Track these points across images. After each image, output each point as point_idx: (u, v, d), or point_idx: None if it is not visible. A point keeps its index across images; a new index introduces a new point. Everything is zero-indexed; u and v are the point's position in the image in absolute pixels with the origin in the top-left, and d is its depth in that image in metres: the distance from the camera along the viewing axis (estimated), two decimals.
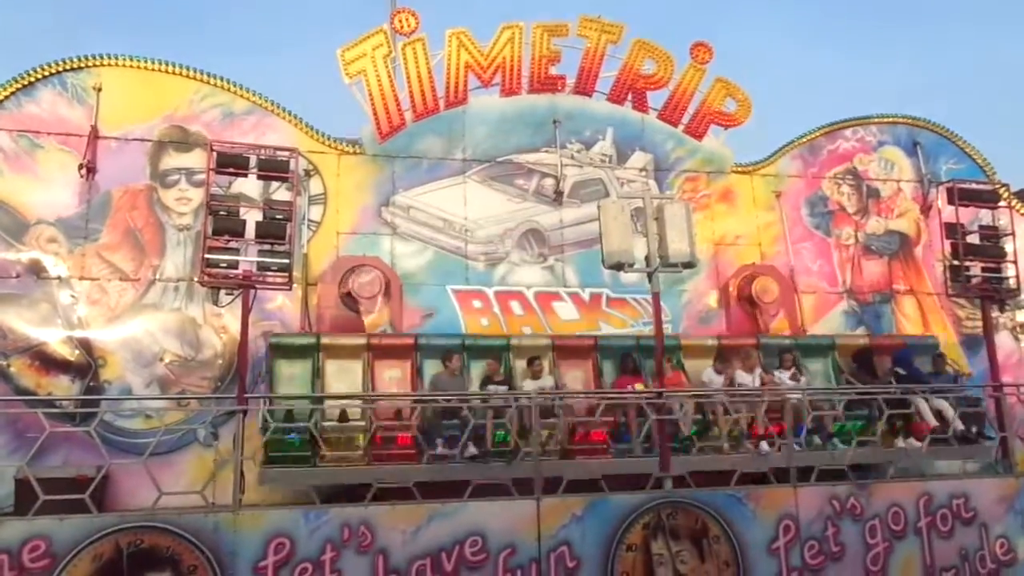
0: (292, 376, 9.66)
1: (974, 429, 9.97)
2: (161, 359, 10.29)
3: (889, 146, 13.78)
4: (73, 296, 10.20)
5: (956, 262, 10.34)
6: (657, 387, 8.96)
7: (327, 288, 10.72)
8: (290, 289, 9.26)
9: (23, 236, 10.21)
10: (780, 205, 12.95)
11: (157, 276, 10.54)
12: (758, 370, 10.08)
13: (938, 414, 9.81)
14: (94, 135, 10.53)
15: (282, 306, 10.67)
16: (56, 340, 10.02)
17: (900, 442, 9.72)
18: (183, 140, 10.96)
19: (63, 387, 9.92)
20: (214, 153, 8.94)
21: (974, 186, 11.08)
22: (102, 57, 10.89)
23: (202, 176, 10.17)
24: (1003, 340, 12.73)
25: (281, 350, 9.81)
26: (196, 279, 9.74)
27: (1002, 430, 9.75)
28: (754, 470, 8.66)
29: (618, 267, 8.97)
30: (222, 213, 8.71)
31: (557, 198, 12.10)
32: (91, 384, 10.00)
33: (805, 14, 54.83)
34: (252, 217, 8.89)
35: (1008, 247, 10.63)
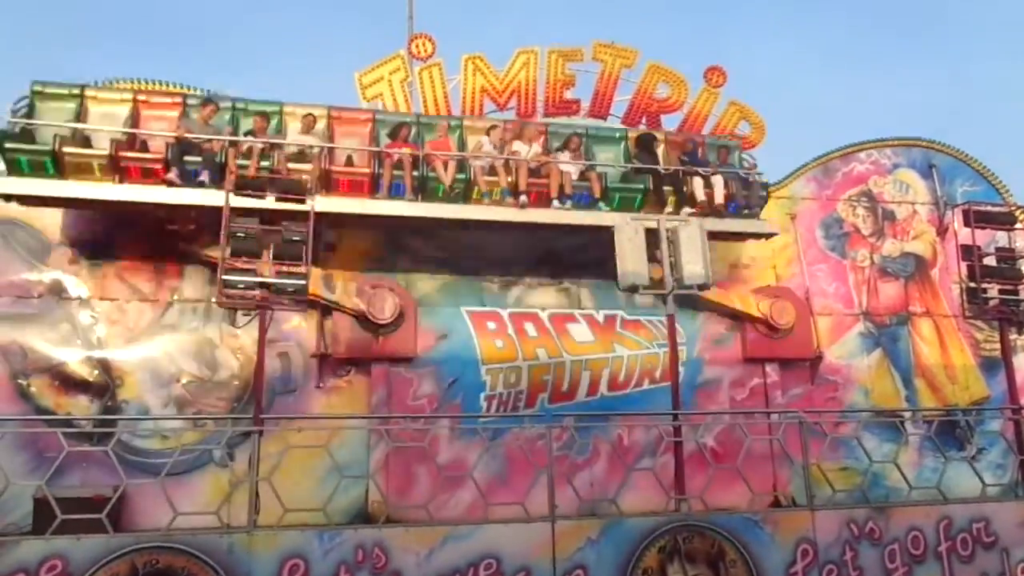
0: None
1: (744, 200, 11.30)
2: (178, 379, 10.37)
3: (904, 168, 13.76)
4: (93, 316, 10.31)
5: (973, 284, 10.28)
6: (675, 412, 8.93)
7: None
8: (306, 311, 9.33)
9: (46, 257, 10.35)
10: (795, 227, 12.95)
11: (175, 297, 10.64)
12: (536, 145, 11.01)
13: (710, 192, 11.02)
14: None
15: (298, 327, 10.73)
16: (75, 360, 10.12)
17: (669, 210, 10.91)
18: None
19: (81, 407, 10.00)
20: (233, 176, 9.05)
21: (990, 208, 11.04)
22: (128, 81, 11.06)
23: None
24: (1021, 363, 12.58)
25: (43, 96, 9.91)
26: (214, 300, 9.81)
27: (1021, 453, 9.66)
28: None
29: (632, 289, 9.00)
30: (240, 235, 8.81)
31: None
32: (109, 404, 10.08)
33: (820, 37, 55.00)
34: (270, 239, 8.97)
35: None
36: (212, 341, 10.58)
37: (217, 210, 8.50)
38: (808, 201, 13.21)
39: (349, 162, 10.58)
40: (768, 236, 11.68)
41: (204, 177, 9.68)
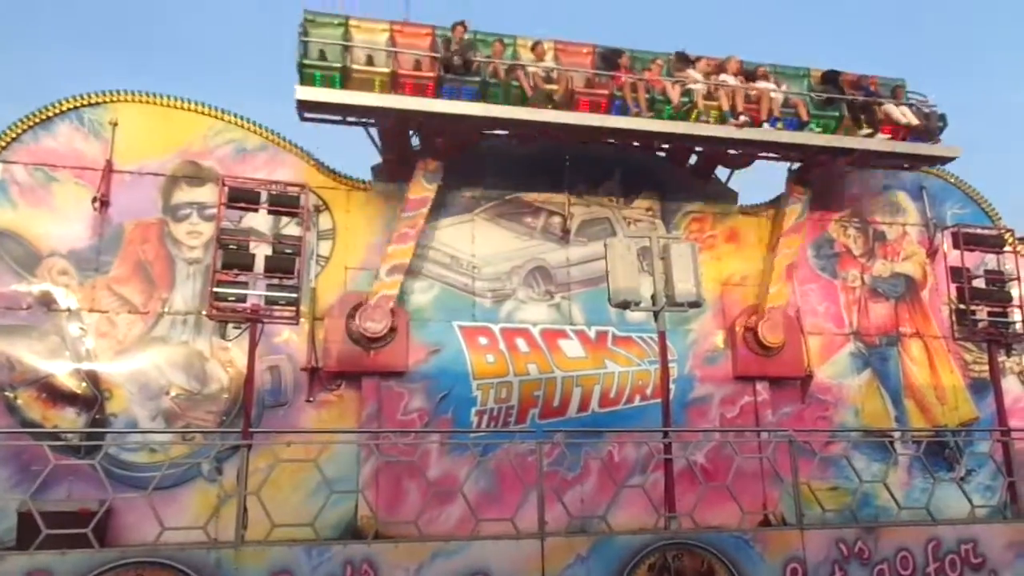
0: None
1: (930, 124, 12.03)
2: (167, 392, 10.31)
3: (895, 190, 13.85)
4: (82, 328, 10.25)
5: (962, 306, 10.35)
6: (666, 428, 8.93)
7: (334, 323, 10.76)
8: (297, 323, 9.30)
9: (35, 268, 10.30)
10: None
11: (166, 309, 10.61)
12: (738, 78, 11.75)
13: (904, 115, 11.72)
14: (108, 169, 10.69)
15: (289, 340, 10.71)
16: (64, 372, 10.05)
17: (866, 132, 11.70)
18: (196, 175, 11.10)
19: (69, 420, 9.92)
20: (226, 188, 9.06)
21: (979, 231, 11.14)
22: (119, 93, 11.08)
23: (213, 210, 10.29)
24: (1010, 384, 12.68)
25: None
26: (204, 313, 9.80)
27: (1010, 475, 9.69)
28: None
29: (624, 306, 9.02)
30: (232, 247, 8.80)
31: (564, 236, 12.18)
32: (97, 417, 10.00)
33: (813, 56, 55.54)
34: (261, 251, 8.97)
35: (1014, 291, 10.65)
36: (202, 354, 10.54)
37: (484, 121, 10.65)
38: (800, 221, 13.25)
39: (588, 84, 11.32)
40: (951, 159, 12.33)
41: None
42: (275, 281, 8.81)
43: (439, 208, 11.73)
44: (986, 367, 11.35)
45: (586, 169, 12.41)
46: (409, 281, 11.42)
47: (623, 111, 10.98)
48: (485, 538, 7.76)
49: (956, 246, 10.64)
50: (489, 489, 10.20)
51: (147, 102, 11.19)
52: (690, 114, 11.28)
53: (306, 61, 10.23)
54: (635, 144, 12.46)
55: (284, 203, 9.25)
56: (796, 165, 12.34)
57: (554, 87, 10.88)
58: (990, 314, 10.45)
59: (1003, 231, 12.08)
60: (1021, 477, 9.60)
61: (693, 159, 12.92)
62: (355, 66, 10.34)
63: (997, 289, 10.62)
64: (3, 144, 10.48)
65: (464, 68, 10.62)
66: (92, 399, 10.06)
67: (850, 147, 11.63)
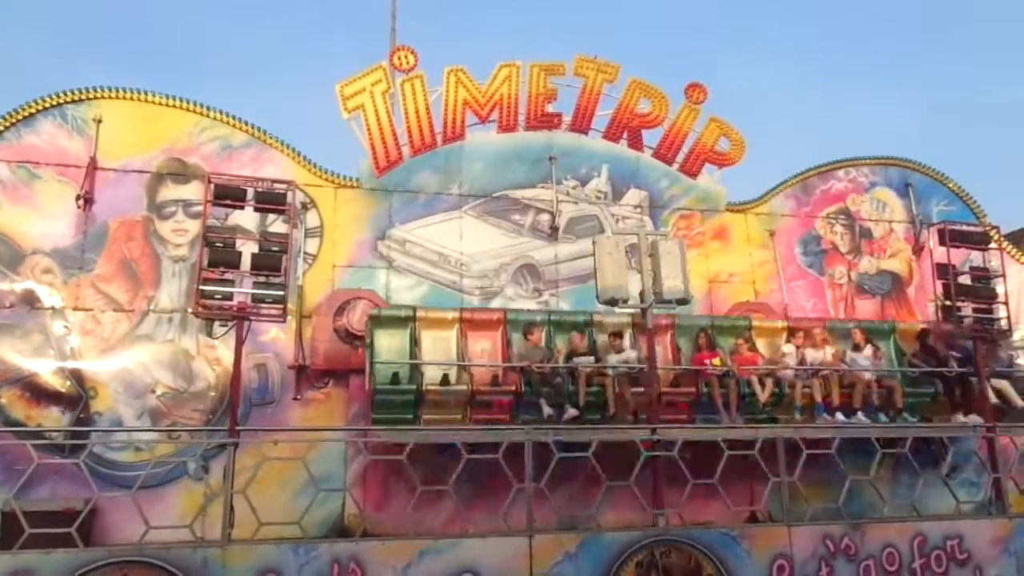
0: (391, 346, 10.11)
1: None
2: (153, 391, 10.24)
3: (881, 187, 13.94)
4: (66, 327, 10.17)
5: (948, 302, 10.40)
6: (653, 426, 8.94)
7: (322, 321, 10.70)
8: (284, 321, 9.24)
9: (18, 266, 10.21)
10: (774, 243, 13.05)
11: (151, 307, 10.53)
12: (828, 347, 10.79)
13: (998, 392, 10.65)
14: (93, 166, 10.60)
15: (276, 338, 10.66)
16: (48, 371, 9.97)
17: (961, 416, 10.47)
18: (181, 172, 11.03)
19: (53, 418, 9.84)
20: (211, 185, 8.97)
21: (965, 228, 11.19)
22: (102, 89, 10.99)
23: (199, 208, 10.22)
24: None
25: (379, 321, 10.21)
26: (190, 310, 9.72)
27: (995, 471, 9.74)
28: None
29: (612, 303, 9.03)
30: (218, 245, 8.72)
31: (552, 234, 12.18)
32: (81, 415, 9.93)
33: (801, 56, 55.77)
34: (248, 249, 8.90)
35: (999, 288, 10.71)
36: (188, 352, 10.48)
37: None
38: (787, 218, 13.34)
39: (675, 383, 10.49)
40: None
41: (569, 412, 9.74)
42: (262, 279, 8.74)
43: (426, 205, 11.71)
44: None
45: (573, 165, 12.42)
46: (397, 278, 11.40)
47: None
48: (473, 536, 7.75)
49: (942, 243, 10.68)
50: (478, 487, 10.17)
51: (131, 99, 11.10)
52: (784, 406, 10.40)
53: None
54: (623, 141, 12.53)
55: (271, 200, 9.17)
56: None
57: (638, 390, 9.80)
58: (975, 310, 10.50)
59: (988, 228, 12.16)
60: (1006, 473, 9.65)
61: (681, 156, 12.94)
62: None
63: (982, 285, 10.67)
64: None
65: (545, 384, 9.86)
66: (76, 398, 9.98)
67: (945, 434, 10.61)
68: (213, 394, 10.37)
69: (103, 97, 10.97)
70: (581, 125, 12.67)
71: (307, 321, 10.74)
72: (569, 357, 10.13)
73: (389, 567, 7.23)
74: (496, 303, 11.68)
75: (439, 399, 9.70)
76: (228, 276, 8.59)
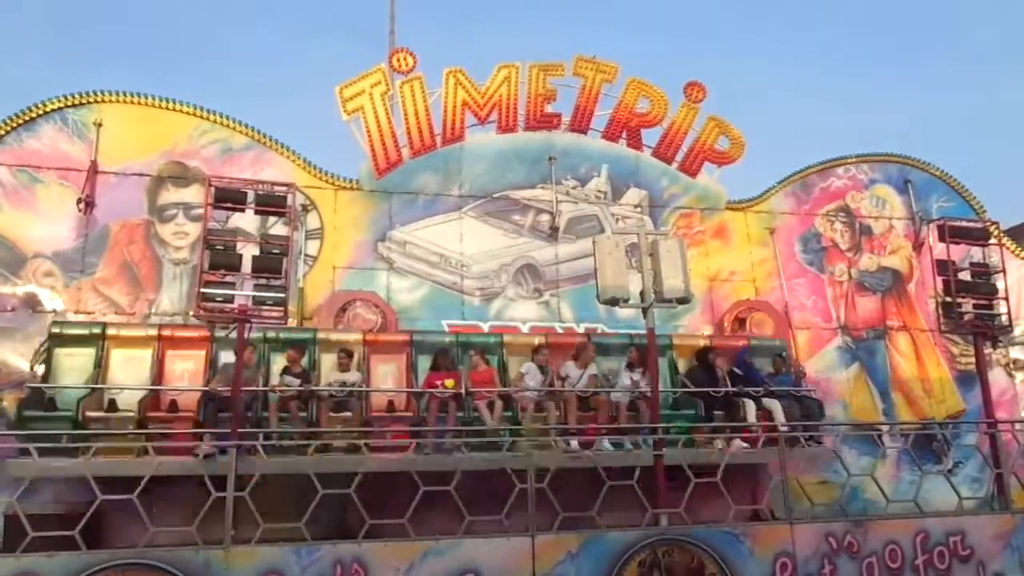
0: (72, 366, 9.19)
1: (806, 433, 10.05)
2: None
3: (881, 184, 13.95)
4: None
5: (948, 299, 10.39)
6: (652, 428, 8.94)
7: (322, 322, 10.71)
8: (285, 323, 9.24)
9: (20, 270, 10.24)
10: (774, 241, 13.06)
11: (153, 310, 10.55)
12: (592, 368, 9.81)
13: (767, 415, 9.91)
14: (93, 170, 10.63)
15: None
16: None
17: (719, 443, 9.26)
18: (182, 175, 11.06)
19: None
20: (212, 188, 9.00)
21: (965, 224, 11.18)
22: (103, 93, 11.02)
23: (200, 211, 10.26)
24: (997, 376, 12.77)
25: (61, 339, 9.29)
26: (192, 313, 9.73)
27: (997, 467, 9.73)
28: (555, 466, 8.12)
29: (613, 302, 9.01)
30: (219, 247, 8.74)
31: (552, 234, 12.20)
32: None
33: (800, 54, 55.79)
34: (249, 252, 8.92)
35: (999, 284, 10.71)
36: None
37: None
38: (787, 216, 13.35)
39: (391, 408, 9.60)
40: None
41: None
42: (263, 281, 8.75)
43: (426, 206, 11.73)
44: (973, 359, 11.41)
45: (573, 165, 12.43)
46: (398, 280, 11.41)
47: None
48: (475, 536, 7.74)
49: (942, 239, 10.65)
50: (479, 487, 10.16)
51: (132, 102, 11.13)
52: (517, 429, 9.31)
53: None
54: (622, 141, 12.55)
55: (271, 203, 9.18)
56: None
57: (345, 415, 9.11)
58: (976, 307, 10.48)
59: (988, 224, 12.15)
60: (1008, 469, 9.64)
61: (681, 155, 12.94)
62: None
63: (983, 282, 10.66)
64: None
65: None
66: None
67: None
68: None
69: (103, 101, 11.01)
70: (580, 125, 12.69)
71: (308, 323, 10.75)
72: (282, 374, 9.25)
73: (392, 568, 7.23)
74: (497, 304, 11.71)
75: (103, 426, 8.62)
76: (229, 279, 8.60)
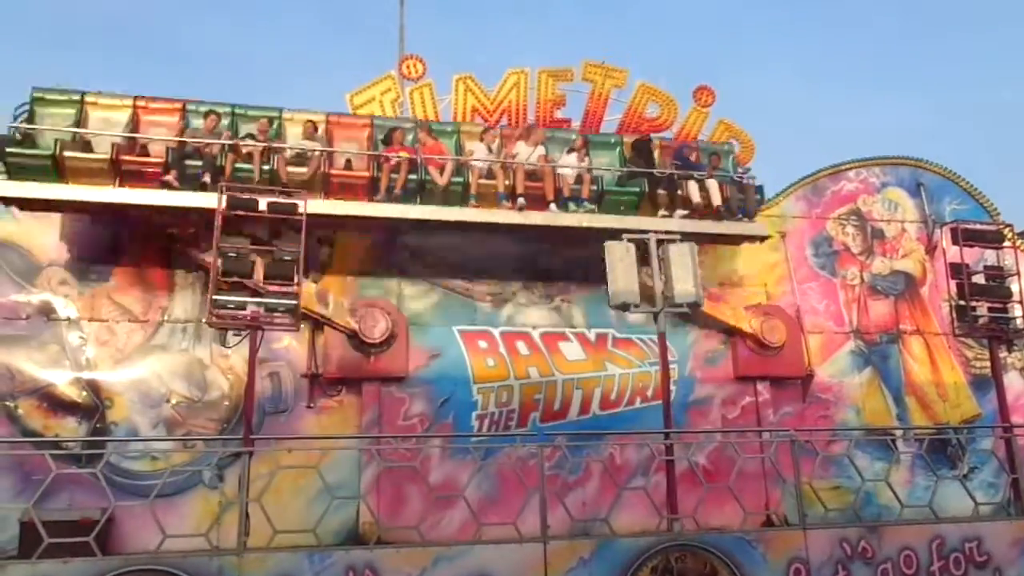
0: (54, 124, 9.96)
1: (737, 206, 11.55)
2: (168, 400, 10.31)
3: (892, 187, 13.86)
4: (82, 337, 10.26)
5: (962, 302, 10.32)
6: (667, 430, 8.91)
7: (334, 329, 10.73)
8: (297, 330, 9.28)
9: (35, 278, 10.32)
10: (785, 246, 13.00)
11: (166, 318, 10.60)
12: (540, 147, 11.03)
13: (703, 190, 11.30)
14: None
15: (289, 347, 10.70)
16: (64, 381, 10.06)
17: (663, 212, 11.10)
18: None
19: (70, 428, 9.93)
20: (225, 195, 9.05)
21: (978, 226, 11.12)
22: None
23: None
24: (1012, 380, 12.66)
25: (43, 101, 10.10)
26: (204, 320, 9.78)
27: (1013, 472, 9.66)
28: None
29: (624, 307, 9.01)
30: (231, 255, 8.79)
31: None
32: (98, 425, 10.02)
33: (810, 56, 55.63)
34: (261, 259, 8.97)
35: (1014, 287, 10.63)
36: (202, 361, 10.54)
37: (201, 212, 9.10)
38: (798, 219, 13.29)
39: (348, 166, 10.69)
40: (762, 239, 11.80)
41: (206, 179, 9.75)
42: (275, 288, 8.80)
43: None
44: (987, 363, 11.31)
45: None
46: (408, 286, 11.42)
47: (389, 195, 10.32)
48: (487, 542, 7.74)
49: (955, 242, 10.60)
50: (491, 493, 10.18)
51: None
52: (467, 196, 10.63)
53: (10, 150, 9.53)
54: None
55: (283, 210, 9.24)
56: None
57: (302, 170, 10.08)
58: (990, 310, 10.41)
59: (1002, 226, 12.07)
60: None
61: None
62: (68, 154, 9.55)
63: (997, 285, 10.59)
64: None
65: (200, 154, 9.87)
66: (93, 408, 10.06)
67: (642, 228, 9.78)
68: (227, 403, 10.43)
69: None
70: (590, 130, 12.68)
71: (320, 330, 10.78)
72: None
73: (404, 574, 7.24)
74: (507, 310, 11.70)
75: (78, 165, 9.64)
76: (241, 285, 8.63)
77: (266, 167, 10.07)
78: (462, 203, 10.66)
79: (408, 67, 11.98)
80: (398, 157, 10.52)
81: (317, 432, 10.40)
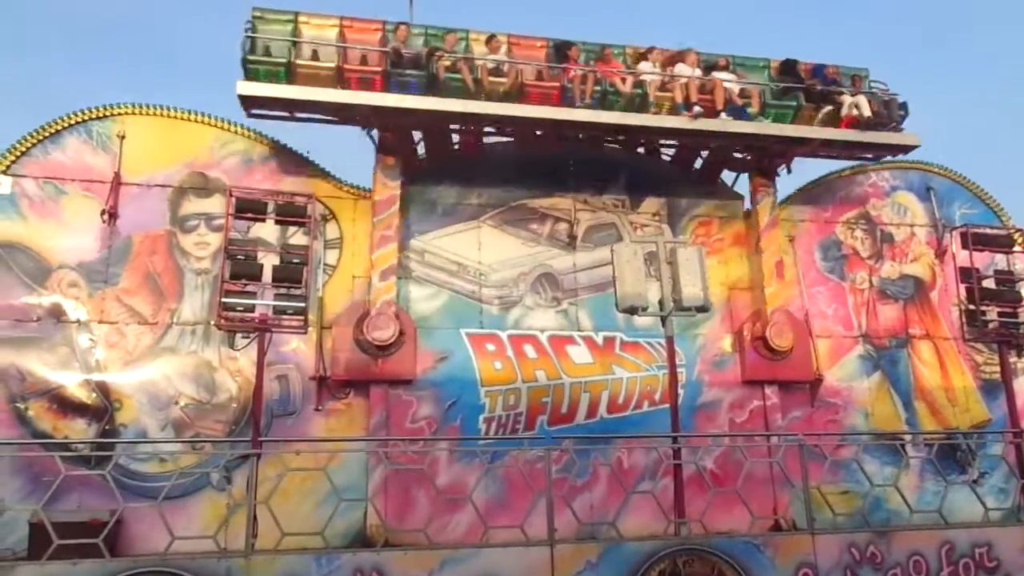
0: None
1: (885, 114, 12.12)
2: (176, 402, 10.34)
3: (902, 191, 13.80)
4: (92, 339, 10.30)
5: (972, 307, 10.28)
6: (675, 434, 8.90)
7: (342, 331, 10.77)
8: (305, 332, 9.34)
9: (45, 280, 10.37)
10: (794, 249, 12.96)
11: (174, 320, 10.65)
12: (697, 68, 11.85)
13: (855, 106, 11.92)
14: (117, 182, 10.76)
15: (297, 349, 10.72)
16: (74, 383, 10.10)
17: (820, 117, 11.90)
18: (203, 186, 11.15)
19: (79, 430, 9.96)
20: (233, 199, 9.11)
21: (988, 231, 11.07)
22: (126, 105, 11.15)
23: (221, 221, 10.38)
24: (1022, 385, 12.56)
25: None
26: (213, 323, 9.84)
27: (1023, 477, 9.61)
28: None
29: (632, 311, 9.01)
30: (240, 257, 8.84)
31: (571, 242, 12.18)
32: (107, 427, 10.04)
33: (818, 58, 55.45)
34: (269, 261, 9.01)
35: None
36: (211, 364, 10.56)
37: (428, 115, 10.61)
38: (806, 224, 13.24)
39: (539, 77, 11.40)
40: (909, 148, 12.32)
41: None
42: (283, 291, 8.86)
43: (445, 215, 11.78)
44: (997, 368, 11.27)
45: (591, 173, 12.42)
46: (416, 288, 11.45)
47: (573, 104, 11.02)
48: (495, 546, 7.75)
49: (965, 246, 10.57)
50: (498, 496, 10.19)
51: (154, 114, 11.26)
52: (644, 106, 11.36)
53: (251, 57, 10.44)
54: (641, 146, 12.51)
55: (291, 213, 9.30)
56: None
57: (503, 80, 10.98)
58: (1000, 315, 10.37)
59: (1012, 230, 12.01)
60: None
61: (698, 163, 12.91)
62: (300, 62, 10.53)
63: (1007, 289, 10.55)
64: (13, 158, 10.56)
65: (412, 63, 10.72)
66: (102, 409, 10.10)
67: (804, 136, 11.73)
68: (235, 405, 10.45)
69: (126, 113, 11.14)
70: None
71: (327, 332, 10.81)
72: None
73: None
74: (515, 313, 11.71)
75: (307, 72, 10.49)
76: (250, 288, 8.69)
77: (471, 76, 10.77)
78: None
79: None
80: (585, 69, 11.16)
81: (325, 435, 10.42)
